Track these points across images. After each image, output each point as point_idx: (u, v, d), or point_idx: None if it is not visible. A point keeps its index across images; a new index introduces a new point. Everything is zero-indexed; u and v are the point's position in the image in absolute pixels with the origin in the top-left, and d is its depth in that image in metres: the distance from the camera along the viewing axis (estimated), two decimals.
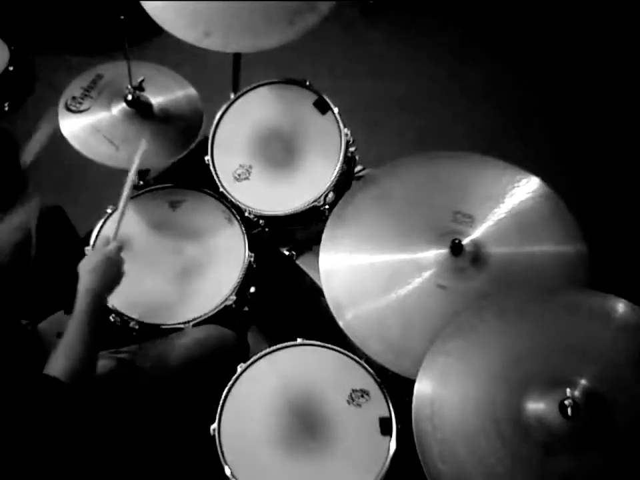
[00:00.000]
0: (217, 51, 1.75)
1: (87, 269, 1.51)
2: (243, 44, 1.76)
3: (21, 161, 1.88)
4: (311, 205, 1.78)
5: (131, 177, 1.69)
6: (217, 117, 1.87)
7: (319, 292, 1.61)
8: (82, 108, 1.84)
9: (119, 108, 1.84)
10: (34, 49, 2.82)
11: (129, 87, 1.83)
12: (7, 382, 1.29)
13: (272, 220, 1.83)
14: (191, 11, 1.75)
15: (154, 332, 1.69)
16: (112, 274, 1.54)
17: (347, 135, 1.81)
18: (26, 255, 1.75)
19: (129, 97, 1.82)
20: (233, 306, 1.74)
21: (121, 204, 1.66)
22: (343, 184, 1.83)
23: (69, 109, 1.83)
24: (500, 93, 2.85)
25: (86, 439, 1.41)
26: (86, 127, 1.82)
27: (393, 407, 1.53)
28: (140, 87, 1.85)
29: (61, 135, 1.82)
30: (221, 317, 1.73)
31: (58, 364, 1.36)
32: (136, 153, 1.72)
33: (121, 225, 1.65)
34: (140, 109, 1.84)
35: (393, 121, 2.77)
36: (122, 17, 1.77)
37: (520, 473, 1.24)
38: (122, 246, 1.61)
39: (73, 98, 1.85)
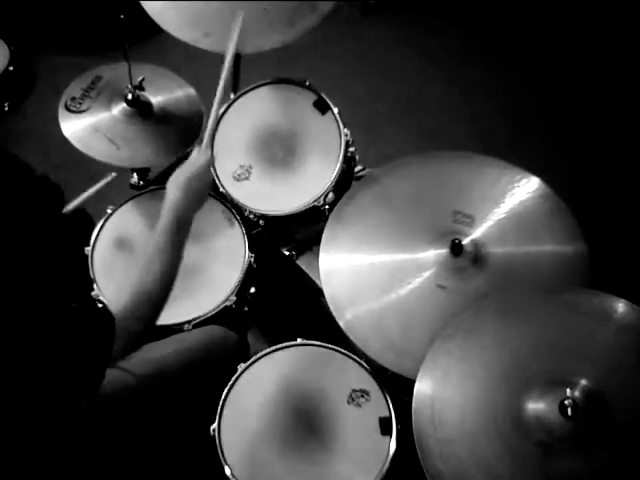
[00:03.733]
0: (218, 52, 1.74)
1: (179, 182, 1.47)
2: (242, 45, 1.76)
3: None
4: (311, 205, 1.78)
5: (229, 58, 1.66)
6: None
7: (319, 292, 1.61)
8: (82, 108, 1.84)
9: (119, 108, 1.84)
10: (34, 48, 2.82)
11: (129, 86, 1.83)
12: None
13: (272, 220, 1.83)
14: (191, 12, 1.75)
15: (154, 332, 1.68)
16: (202, 187, 1.52)
17: (346, 135, 1.81)
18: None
19: (129, 97, 1.82)
20: (233, 306, 1.74)
21: (218, 96, 1.64)
22: (343, 184, 1.83)
23: (68, 110, 1.83)
24: (500, 93, 2.85)
25: (89, 440, 1.41)
26: (86, 127, 1.82)
27: (393, 407, 1.53)
28: (140, 87, 1.85)
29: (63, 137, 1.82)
30: (221, 317, 1.73)
31: (153, 267, 1.35)
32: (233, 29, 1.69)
33: (212, 136, 1.64)
34: (140, 109, 1.85)
35: (393, 121, 2.77)
36: (122, 17, 1.77)
37: (520, 472, 1.24)
38: (213, 159, 1.59)
39: (73, 98, 1.85)
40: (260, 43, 1.75)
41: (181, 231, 1.42)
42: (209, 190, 1.56)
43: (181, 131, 1.90)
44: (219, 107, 1.66)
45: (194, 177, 1.49)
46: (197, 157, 1.55)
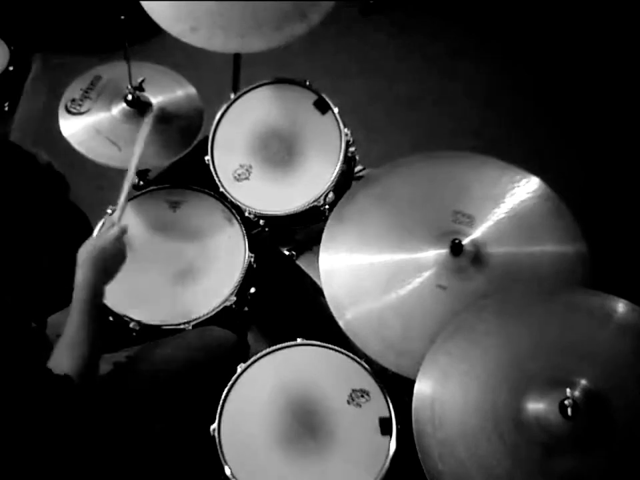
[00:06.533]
0: (202, 47, 1.73)
1: (87, 258, 1.43)
2: (228, 44, 1.75)
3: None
4: (311, 205, 1.78)
5: (137, 155, 1.66)
6: (217, 117, 1.87)
7: (319, 292, 1.61)
8: (82, 110, 1.84)
9: (119, 108, 1.85)
10: (34, 49, 2.82)
11: (129, 87, 1.83)
12: (16, 383, 1.28)
13: (272, 220, 1.83)
14: (182, 4, 1.74)
15: (154, 333, 1.69)
16: (113, 261, 1.48)
17: (347, 134, 1.81)
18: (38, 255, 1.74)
19: (129, 97, 1.82)
20: (233, 306, 1.74)
21: (126, 183, 1.62)
22: (343, 184, 1.84)
23: (69, 112, 1.83)
24: (500, 93, 2.85)
25: (89, 439, 1.41)
26: (87, 128, 1.82)
27: (393, 407, 1.53)
28: (140, 87, 1.85)
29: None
30: (221, 317, 1.73)
31: (64, 364, 1.32)
32: (142, 129, 1.71)
33: (125, 208, 1.62)
34: (140, 109, 1.84)
35: (393, 121, 2.77)
36: (122, 17, 1.77)
37: (520, 473, 1.24)
38: (126, 229, 1.55)
39: (73, 100, 1.85)
40: (245, 45, 1.74)
41: (94, 308, 1.40)
42: (122, 261, 1.51)
43: (181, 130, 1.90)
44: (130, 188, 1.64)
45: (102, 254, 1.44)
46: (106, 229, 1.52)
